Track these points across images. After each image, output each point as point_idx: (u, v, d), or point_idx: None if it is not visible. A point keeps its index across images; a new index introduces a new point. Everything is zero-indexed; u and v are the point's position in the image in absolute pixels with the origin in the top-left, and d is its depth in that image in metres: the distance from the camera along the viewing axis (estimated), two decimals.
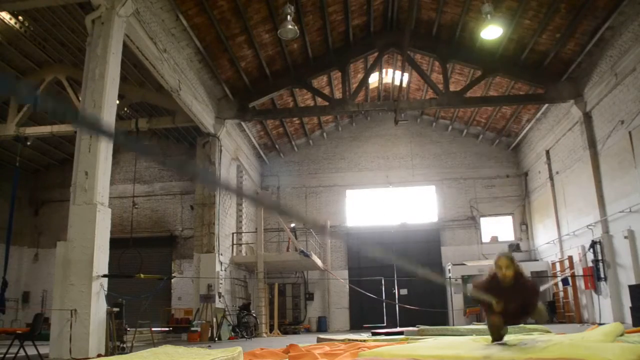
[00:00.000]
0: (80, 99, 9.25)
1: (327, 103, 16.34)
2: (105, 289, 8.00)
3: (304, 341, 7.20)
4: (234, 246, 16.96)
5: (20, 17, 12.15)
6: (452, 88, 16.20)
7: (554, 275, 17.37)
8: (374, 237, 20.74)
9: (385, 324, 18.65)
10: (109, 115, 8.71)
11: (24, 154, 16.58)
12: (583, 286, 14.97)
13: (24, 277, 19.50)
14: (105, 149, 8.49)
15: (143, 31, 10.71)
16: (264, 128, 19.26)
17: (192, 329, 13.09)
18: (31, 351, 7.82)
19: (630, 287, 11.53)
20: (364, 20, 15.59)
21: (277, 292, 18.09)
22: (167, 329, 15.64)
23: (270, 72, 15.44)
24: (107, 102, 8.61)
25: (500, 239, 20.40)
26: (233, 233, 17.00)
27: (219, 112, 15.63)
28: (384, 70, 19.09)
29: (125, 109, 15.70)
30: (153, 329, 11.76)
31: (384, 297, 18.69)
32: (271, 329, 16.36)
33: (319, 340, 6.89)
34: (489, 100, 17.01)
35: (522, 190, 20.65)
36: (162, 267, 18.76)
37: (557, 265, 17.20)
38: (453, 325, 15.99)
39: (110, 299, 8.29)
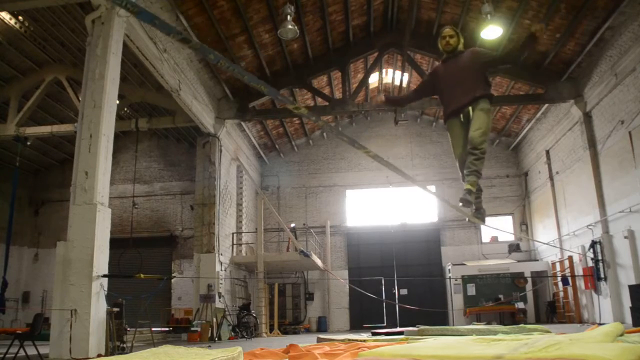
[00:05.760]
0: (80, 99, 9.24)
1: (327, 103, 16.34)
2: (105, 289, 8.00)
3: (304, 341, 7.19)
4: (234, 246, 16.96)
5: (20, 17, 12.15)
6: None
7: (554, 275, 17.40)
8: (374, 237, 20.75)
9: (385, 324, 18.66)
10: (109, 115, 8.71)
11: (24, 154, 16.55)
12: (583, 286, 14.98)
13: (24, 277, 19.49)
14: (105, 149, 8.49)
15: (143, 31, 10.71)
16: (264, 128, 19.27)
17: (192, 329, 13.09)
18: (31, 351, 7.82)
19: (630, 287, 11.53)
20: (364, 20, 15.59)
21: (277, 292, 18.10)
22: (167, 329, 15.63)
23: (270, 72, 15.44)
24: (107, 102, 8.61)
25: (500, 239, 20.42)
26: (233, 233, 17.00)
27: (219, 112, 15.63)
28: (384, 70, 19.09)
29: (125, 109, 15.70)
30: (153, 329, 11.76)
31: (384, 297, 18.69)
32: (271, 329, 16.37)
33: (319, 340, 6.88)
34: None
35: (522, 190, 20.65)
36: (162, 267, 18.75)
37: (557, 265, 17.21)
38: (453, 325, 15.99)
39: (110, 299, 8.29)
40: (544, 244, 16.38)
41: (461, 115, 4.67)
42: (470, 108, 4.60)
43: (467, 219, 5.06)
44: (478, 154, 4.49)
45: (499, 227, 19.77)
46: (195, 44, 2.14)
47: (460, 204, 4.56)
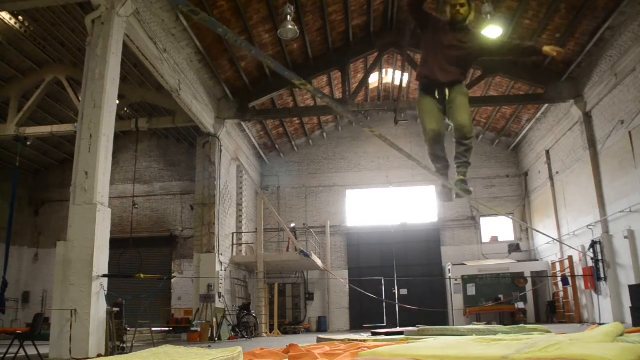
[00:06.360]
0: (80, 99, 9.25)
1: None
2: (105, 289, 8.00)
3: (304, 341, 7.19)
4: (234, 246, 16.96)
5: (20, 17, 12.15)
6: None
7: (554, 275, 17.40)
8: (374, 237, 20.75)
9: (385, 324, 18.66)
10: (109, 115, 8.71)
11: (24, 154, 16.55)
12: (583, 286, 14.98)
13: (24, 277, 19.49)
14: (105, 149, 8.49)
15: (143, 31, 10.71)
16: (264, 128, 19.26)
17: (192, 329, 13.09)
18: (31, 351, 7.82)
19: (630, 287, 11.53)
20: (364, 20, 15.59)
21: (277, 292, 18.10)
22: (167, 329, 15.64)
23: (270, 72, 15.43)
24: (107, 102, 8.61)
25: (500, 239, 20.42)
26: (233, 233, 17.00)
27: (219, 112, 15.63)
28: (384, 70, 19.08)
29: (125, 109, 15.70)
30: (153, 329, 11.76)
31: (384, 297, 18.69)
32: (271, 329, 16.37)
33: (319, 340, 6.88)
34: (489, 100, 17.02)
35: (522, 190, 20.65)
36: (162, 267, 18.75)
37: (557, 265, 17.20)
38: (453, 325, 16.00)
39: (110, 299, 8.29)
40: (549, 237, 16.35)
41: (436, 92, 4.53)
42: (447, 89, 4.50)
43: (454, 195, 5.01)
44: (469, 144, 4.51)
45: (498, 227, 19.86)
46: (204, 17, 2.14)
47: (447, 196, 4.70)
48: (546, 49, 4.30)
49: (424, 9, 4.60)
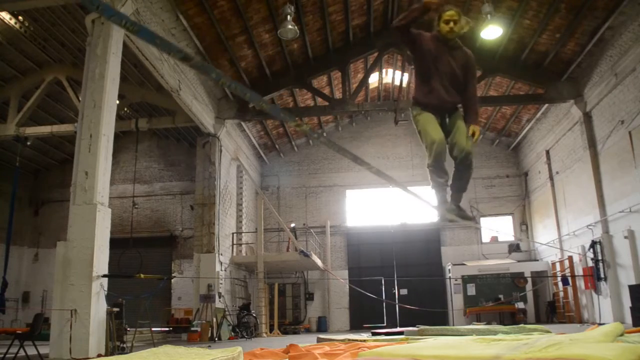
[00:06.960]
0: (80, 99, 9.25)
1: (327, 103, 16.34)
2: (105, 289, 8.00)
3: (304, 341, 7.19)
4: (234, 246, 16.97)
5: (20, 17, 12.16)
6: None
7: (554, 275, 17.40)
8: (374, 237, 20.75)
9: (385, 324, 18.65)
10: (109, 115, 8.71)
11: (24, 154, 16.56)
12: (583, 286, 14.98)
13: (24, 277, 19.50)
14: (105, 149, 8.49)
15: None
16: (264, 128, 19.27)
17: (192, 329, 13.10)
18: (31, 351, 7.82)
19: (630, 287, 11.54)
20: (364, 20, 15.59)
21: (277, 292, 18.10)
22: (167, 329, 15.64)
23: (270, 72, 15.44)
24: (107, 102, 8.61)
25: (500, 239, 20.42)
26: (233, 233, 17.00)
27: (219, 112, 15.64)
28: (384, 70, 19.09)
29: (125, 109, 15.70)
30: (153, 329, 11.76)
31: (384, 297, 18.69)
32: (271, 329, 16.37)
33: (319, 340, 6.88)
34: (489, 100, 17.00)
35: (522, 190, 20.65)
36: (162, 267, 18.75)
37: (557, 265, 17.20)
38: (453, 325, 15.99)
39: (110, 299, 8.29)
40: (541, 243, 16.36)
41: (437, 115, 4.28)
42: (448, 114, 4.32)
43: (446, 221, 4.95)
44: (471, 172, 4.35)
45: (498, 226, 19.87)
46: (197, 62, 2.11)
47: (448, 218, 4.58)
48: (474, 128, 4.19)
49: (412, 30, 4.26)
